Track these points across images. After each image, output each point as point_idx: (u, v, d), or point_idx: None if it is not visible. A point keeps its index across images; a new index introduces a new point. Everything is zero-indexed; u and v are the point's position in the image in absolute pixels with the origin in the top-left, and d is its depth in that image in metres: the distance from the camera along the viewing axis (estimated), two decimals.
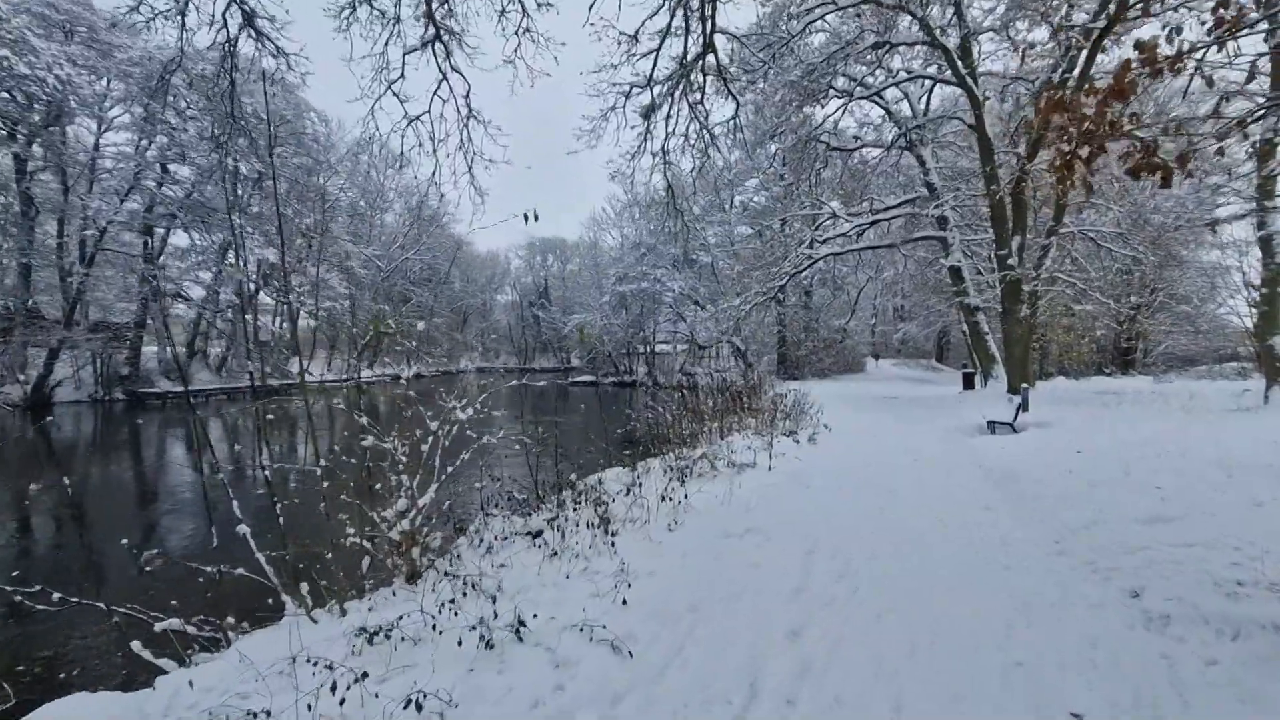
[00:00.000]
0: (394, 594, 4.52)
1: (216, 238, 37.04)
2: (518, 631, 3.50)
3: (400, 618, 3.59)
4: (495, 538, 5.98)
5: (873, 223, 23.25)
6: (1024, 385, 14.13)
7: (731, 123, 10.85)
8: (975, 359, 23.63)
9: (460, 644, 3.41)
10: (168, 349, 37.50)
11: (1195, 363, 32.75)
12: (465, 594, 4.12)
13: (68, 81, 25.88)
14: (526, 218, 5.48)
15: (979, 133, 18.15)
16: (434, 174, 8.16)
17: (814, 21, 16.84)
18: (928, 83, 22.77)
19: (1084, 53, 16.40)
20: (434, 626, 3.53)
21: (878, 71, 20.82)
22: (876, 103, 23.00)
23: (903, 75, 20.09)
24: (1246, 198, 15.85)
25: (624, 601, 4.00)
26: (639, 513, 5.88)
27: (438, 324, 66.01)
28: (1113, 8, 15.22)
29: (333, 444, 11.78)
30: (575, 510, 6.09)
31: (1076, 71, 16.46)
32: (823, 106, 20.82)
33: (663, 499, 6.15)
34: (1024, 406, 12.04)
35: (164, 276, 35.19)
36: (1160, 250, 18.64)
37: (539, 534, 5.93)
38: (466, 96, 7.76)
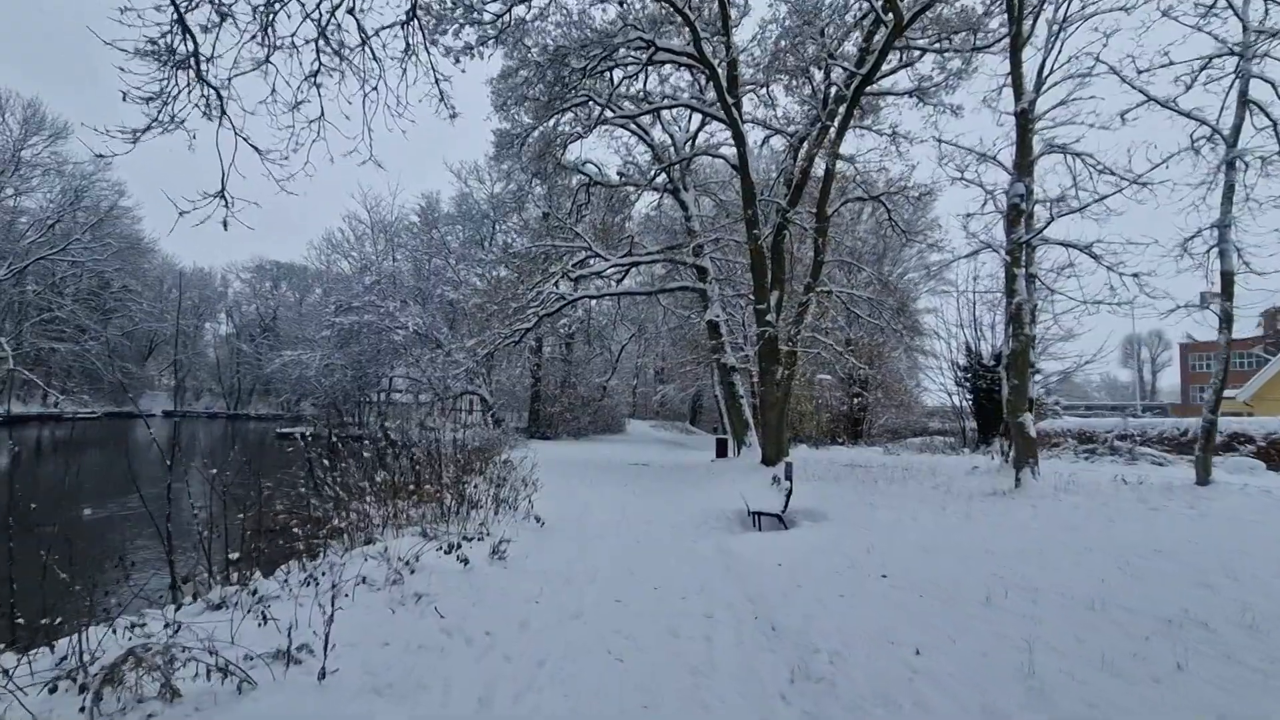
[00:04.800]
0: None
1: None
2: None
3: None
4: None
5: (633, 264, 20.62)
6: (786, 461, 11.60)
7: (405, 26, 6.45)
8: (729, 424, 21.95)
9: None
10: None
11: (901, 435, 36.30)
12: None
13: None
14: None
15: (742, 175, 16.44)
16: None
17: None
18: (694, 124, 21.35)
19: (844, 105, 15.56)
20: None
21: (642, 100, 18.57)
22: (641, 137, 20.89)
23: (668, 102, 17.97)
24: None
25: None
26: None
27: (94, 350, 49.45)
28: (871, 59, 14.48)
29: None
30: None
31: (836, 122, 15.51)
32: (579, 122, 17.76)
33: None
34: (790, 490, 9.15)
35: None
36: (904, 320, 18.69)
37: None
38: None
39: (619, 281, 22.85)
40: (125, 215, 49.57)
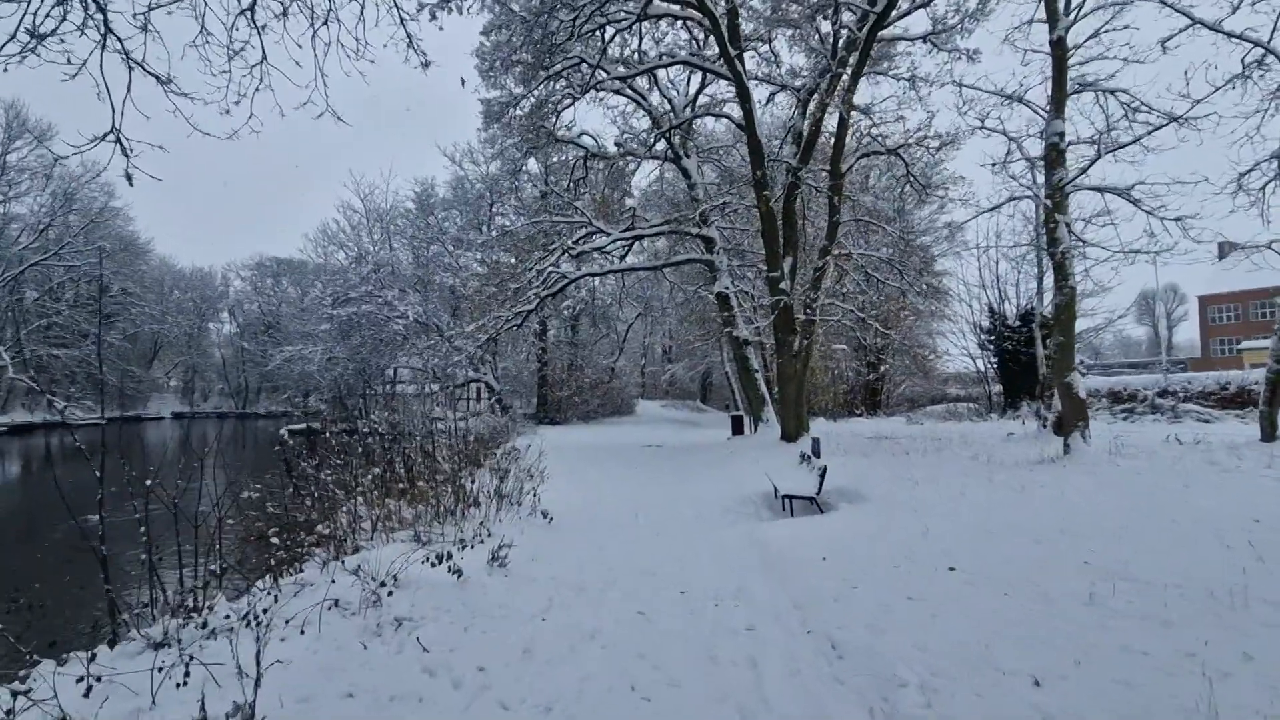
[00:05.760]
0: None
1: None
2: None
3: None
4: None
5: (636, 238, 19.59)
6: (813, 436, 10.70)
7: None
8: (742, 399, 21.05)
9: None
10: None
11: (918, 403, 35.20)
12: None
13: None
14: None
15: (748, 133, 15.33)
16: None
17: None
18: (693, 87, 20.15)
19: (855, 52, 14.40)
20: None
21: (636, 62, 17.40)
22: (638, 102, 19.73)
23: (666, 60, 16.80)
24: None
25: None
26: None
27: (94, 353, 48.96)
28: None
29: None
30: None
31: (849, 69, 14.36)
32: (571, 87, 16.66)
33: None
34: (824, 469, 8.23)
35: None
36: (927, 279, 17.61)
37: None
38: None
39: (622, 258, 21.86)
40: (116, 216, 48.70)
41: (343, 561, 5.19)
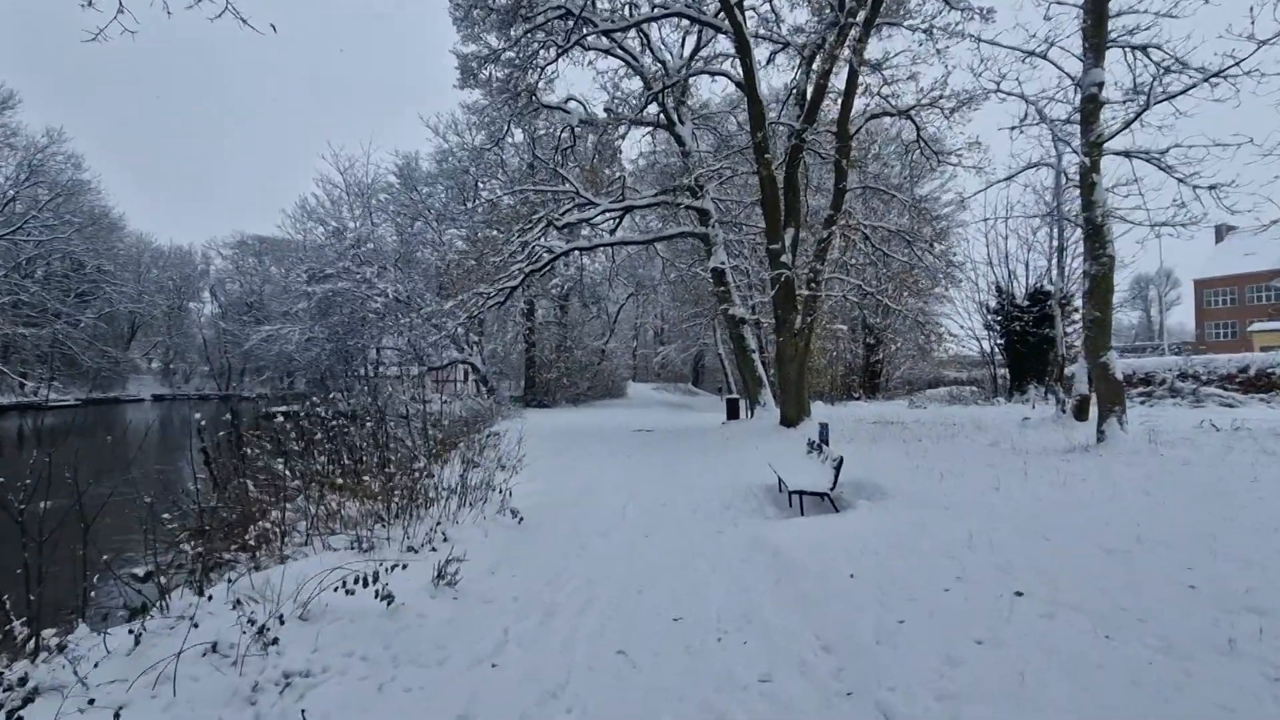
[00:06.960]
0: None
1: None
2: None
3: None
4: None
5: (626, 209, 18.34)
6: (821, 422, 9.62)
7: None
8: (738, 381, 19.95)
9: None
10: None
11: (917, 386, 34.28)
12: None
13: None
14: None
15: (748, 92, 14.08)
16: None
17: None
18: (688, 48, 18.79)
19: (864, 10, 13.14)
20: None
21: (628, 10, 16.03)
22: (628, 63, 18.36)
23: (659, 11, 15.45)
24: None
25: None
26: None
27: (66, 333, 47.30)
28: None
29: None
30: None
31: (861, 17, 13.09)
32: (553, 43, 15.30)
33: None
34: (840, 461, 7.12)
35: None
36: (940, 248, 16.48)
37: None
38: None
39: (612, 233, 20.63)
40: (85, 189, 46.75)
41: (196, 592, 4.04)
